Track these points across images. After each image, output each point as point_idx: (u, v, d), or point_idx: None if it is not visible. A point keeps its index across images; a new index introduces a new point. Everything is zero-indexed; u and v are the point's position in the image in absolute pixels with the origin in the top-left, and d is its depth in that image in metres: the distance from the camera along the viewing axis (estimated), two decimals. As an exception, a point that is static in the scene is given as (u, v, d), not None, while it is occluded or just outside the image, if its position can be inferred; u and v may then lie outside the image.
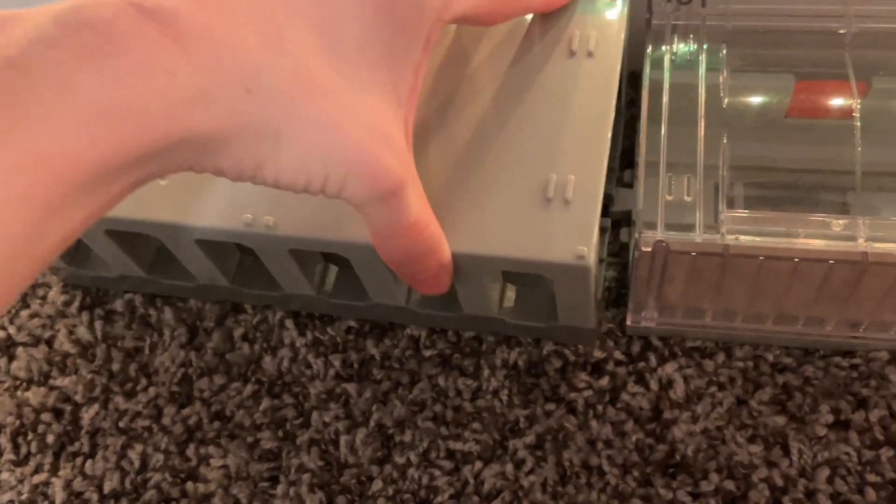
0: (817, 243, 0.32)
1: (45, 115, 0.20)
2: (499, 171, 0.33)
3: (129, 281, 0.42)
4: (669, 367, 0.38)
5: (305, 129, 0.25)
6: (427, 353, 0.40)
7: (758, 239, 0.32)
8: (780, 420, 0.37)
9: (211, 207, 0.34)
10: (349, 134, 0.25)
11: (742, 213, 0.33)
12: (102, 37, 0.22)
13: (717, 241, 0.32)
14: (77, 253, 0.42)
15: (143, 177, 0.23)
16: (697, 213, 0.33)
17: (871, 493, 0.35)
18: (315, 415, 0.39)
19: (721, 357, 0.38)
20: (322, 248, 0.34)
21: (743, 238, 0.32)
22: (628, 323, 0.38)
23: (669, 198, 0.33)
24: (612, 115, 0.34)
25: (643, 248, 0.32)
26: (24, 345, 0.42)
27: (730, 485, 0.35)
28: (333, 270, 0.40)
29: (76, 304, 0.43)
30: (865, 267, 0.31)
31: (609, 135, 0.34)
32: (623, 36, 0.36)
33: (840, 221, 0.32)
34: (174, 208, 0.34)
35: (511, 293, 0.38)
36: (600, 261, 0.39)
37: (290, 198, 0.32)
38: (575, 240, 0.31)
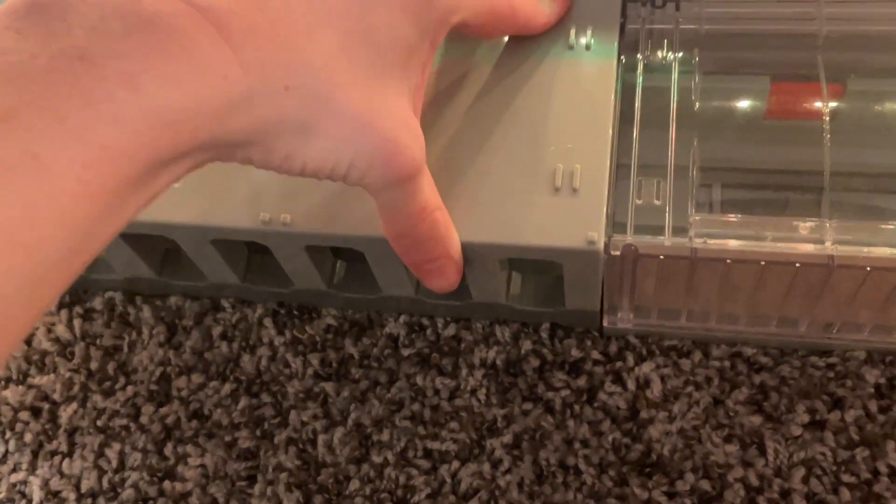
0: (784, 246, 0.32)
1: (115, 114, 0.21)
2: (506, 162, 0.34)
3: (139, 283, 0.42)
4: (646, 367, 0.38)
5: (336, 121, 0.26)
6: (405, 353, 0.40)
7: (726, 242, 0.32)
8: (756, 420, 0.37)
9: (227, 207, 0.35)
10: (376, 123, 0.27)
11: (710, 216, 0.33)
12: (164, 35, 0.22)
13: (686, 245, 0.32)
14: None
15: (181, 172, 0.24)
16: (667, 217, 0.33)
17: (845, 494, 0.35)
18: (293, 414, 0.39)
19: (698, 356, 0.38)
20: (338, 243, 0.35)
21: (711, 242, 0.32)
22: (605, 324, 0.38)
23: (639, 201, 0.33)
24: (612, 105, 0.35)
25: (613, 252, 0.32)
26: (3, 343, 0.42)
27: (705, 484, 0.36)
28: (342, 265, 0.40)
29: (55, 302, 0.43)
30: (832, 269, 0.31)
31: (611, 124, 0.34)
32: (618, 31, 0.37)
33: (807, 224, 0.32)
34: (190, 210, 0.35)
35: (517, 279, 0.39)
36: None
37: (304, 195, 0.33)
38: (585, 226, 0.32)
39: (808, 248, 0.32)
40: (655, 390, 0.37)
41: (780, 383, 0.37)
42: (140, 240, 0.38)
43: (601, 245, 0.32)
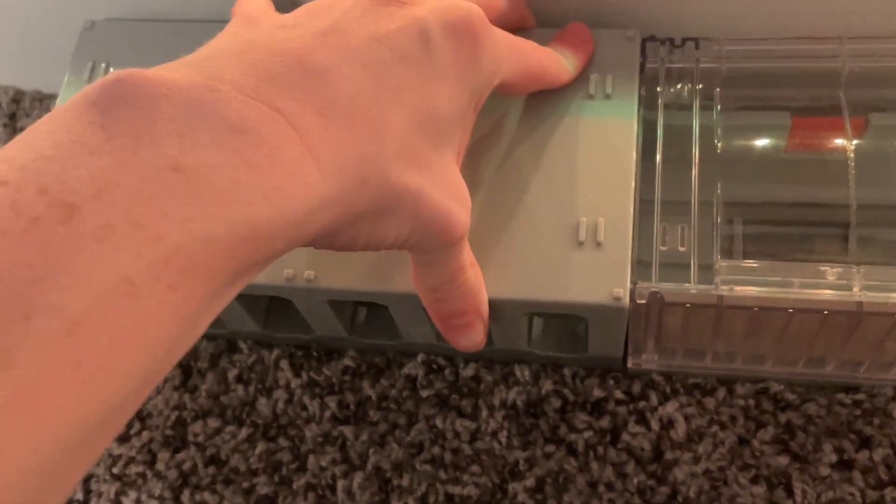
0: (812, 293, 0.31)
1: (206, 233, 0.20)
2: (530, 217, 0.34)
3: None
4: (670, 407, 0.37)
5: (404, 202, 0.26)
6: (424, 394, 0.39)
7: (752, 289, 0.31)
8: (783, 460, 0.36)
9: None
10: (434, 196, 0.27)
11: (735, 262, 0.32)
12: (251, 145, 0.21)
13: (712, 292, 0.32)
14: None
15: (252, 278, 0.23)
16: (692, 264, 0.32)
17: (876, 535, 0.34)
18: (311, 458, 0.38)
19: (722, 394, 0.37)
20: (360, 298, 0.35)
21: (738, 289, 0.32)
22: (629, 365, 0.37)
23: (664, 248, 0.33)
24: (634, 156, 0.34)
25: (637, 301, 0.32)
26: (16, 388, 0.42)
27: (733, 527, 0.35)
28: (363, 310, 0.40)
29: (68, 345, 0.42)
30: (861, 316, 0.31)
31: (633, 176, 0.34)
32: (637, 78, 0.36)
33: (835, 270, 0.31)
34: None
35: (538, 324, 0.39)
36: None
37: (327, 251, 0.32)
38: (610, 281, 0.32)
39: (836, 294, 0.31)
40: (680, 430, 0.37)
41: (806, 422, 0.37)
42: None
43: (626, 301, 0.32)
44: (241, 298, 0.36)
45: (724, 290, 0.32)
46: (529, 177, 0.34)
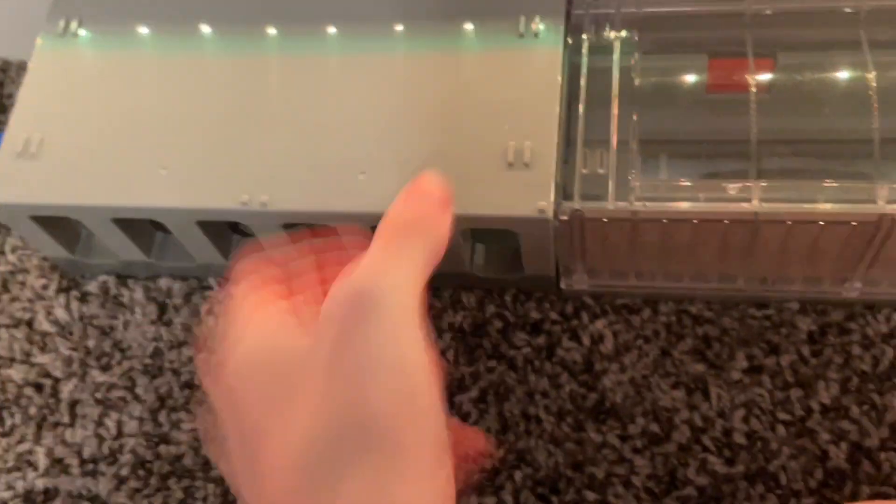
0: (715, 205, 0.35)
1: None
2: (466, 143, 0.38)
3: (132, 266, 0.45)
4: (600, 324, 0.41)
5: None
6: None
7: (662, 204, 0.35)
8: (700, 367, 0.40)
9: (210, 191, 0.38)
10: None
11: (648, 181, 0.36)
12: (374, 441, 0.23)
13: (627, 208, 0.35)
14: (80, 244, 0.45)
15: None
16: (610, 184, 0.36)
17: (781, 430, 0.38)
18: (277, 380, 0.42)
19: (647, 313, 0.41)
20: (312, 220, 0.38)
21: (649, 204, 0.35)
22: (562, 286, 0.41)
23: (585, 171, 0.36)
24: (560, 85, 0.38)
25: (561, 217, 0.36)
26: (6, 326, 0.45)
27: (655, 427, 0.39)
28: None
29: (53, 286, 0.46)
30: (759, 225, 0.35)
31: (558, 103, 0.38)
32: (563, 17, 0.40)
33: (735, 185, 0.35)
34: (177, 194, 0.38)
35: (480, 250, 0.42)
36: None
37: (281, 177, 0.37)
38: (536, 196, 0.36)
39: (735, 206, 0.35)
40: (608, 344, 0.41)
41: (721, 334, 0.41)
42: (132, 225, 0.41)
43: (551, 213, 0.36)
44: (206, 228, 0.40)
45: (637, 205, 0.36)
46: (465, 108, 0.38)
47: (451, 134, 0.38)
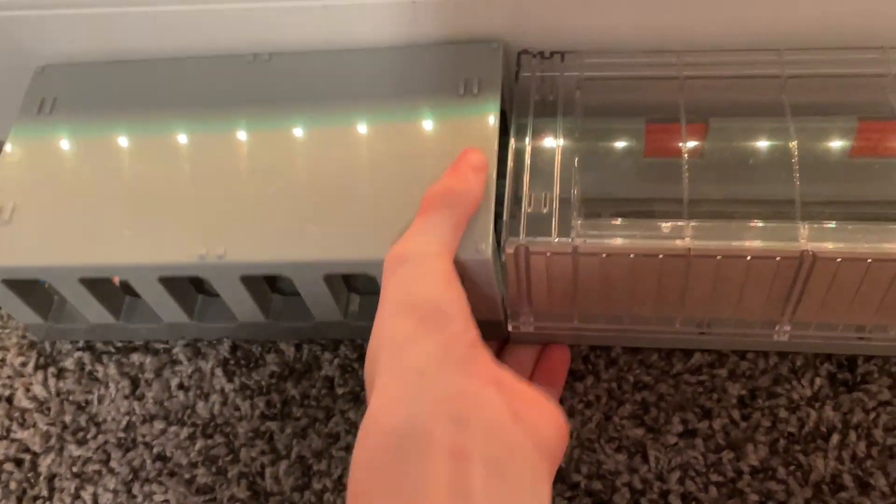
0: (649, 242, 0.38)
1: None
2: (408, 194, 0.40)
3: (102, 329, 0.47)
4: (545, 392, 0.44)
5: None
6: (340, 391, 0.46)
7: (602, 241, 0.38)
8: (640, 431, 0.43)
9: (168, 246, 0.41)
10: None
11: (589, 221, 0.39)
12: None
13: (568, 243, 0.38)
14: (53, 310, 0.48)
15: None
16: (553, 221, 0.39)
17: (713, 491, 0.41)
18: (243, 451, 0.45)
19: (590, 380, 0.44)
20: (267, 271, 0.41)
21: (590, 241, 0.38)
22: (509, 329, 0.44)
23: (530, 210, 0.39)
24: (496, 142, 0.41)
25: (508, 251, 0.38)
26: (-13, 403, 0.48)
27: (598, 485, 0.42)
28: (279, 298, 0.46)
29: (31, 364, 0.49)
30: (690, 260, 0.38)
31: (496, 156, 0.41)
32: (500, 81, 0.44)
33: (668, 224, 0.38)
34: (137, 251, 0.41)
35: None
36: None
37: (236, 232, 0.40)
38: (476, 240, 0.39)
39: (669, 243, 0.38)
40: (553, 412, 0.43)
41: (658, 399, 0.43)
42: (100, 287, 0.44)
43: (489, 254, 0.38)
44: (168, 285, 0.43)
45: (578, 241, 0.38)
46: (407, 161, 0.42)
47: (395, 187, 0.41)
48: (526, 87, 0.44)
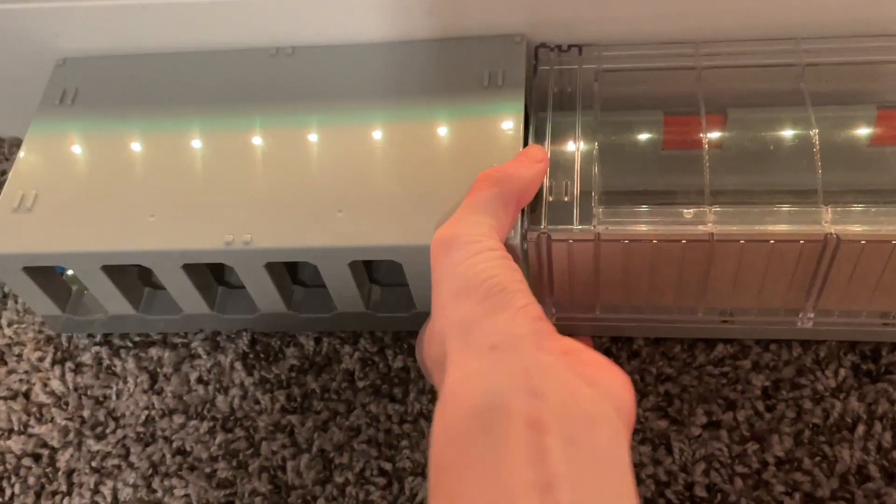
0: (672, 228, 0.38)
1: None
2: (435, 184, 0.40)
3: (121, 321, 0.47)
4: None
5: None
6: (361, 385, 0.45)
7: (623, 228, 0.38)
8: (664, 423, 0.43)
9: (195, 233, 0.41)
10: None
11: (610, 208, 0.39)
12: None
13: (590, 230, 0.38)
14: (71, 302, 0.47)
15: None
16: (574, 210, 0.39)
17: (739, 483, 0.41)
18: (264, 445, 0.44)
19: (612, 372, 0.44)
20: (293, 257, 0.41)
21: (611, 227, 0.38)
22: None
23: (551, 199, 0.39)
24: (521, 132, 0.41)
25: (530, 240, 0.38)
26: (4, 398, 0.48)
27: (621, 482, 0.41)
28: (301, 290, 0.46)
29: (49, 359, 0.48)
30: (713, 246, 0.37)
31: (521, 146, 0.41)
32: (523, 71, 0.44)
33: (691, 210, 0.38)
34: (162, 237, 0.41)
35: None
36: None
37: (263, 219, 0.40)
38: None
39: (693, 228, 0.38)
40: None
41: (681, 391, 0.43)
42: (121, 276, 0.44)
43: (517, 240, 0.38)
44: (190, 272, 0.43)
45: (600, 228, 0.38)
46: (434, 152, 0.42)
47: (422, 176, 0.41)
48: (544, 80, 0.44)
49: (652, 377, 0.44)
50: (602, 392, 0.30)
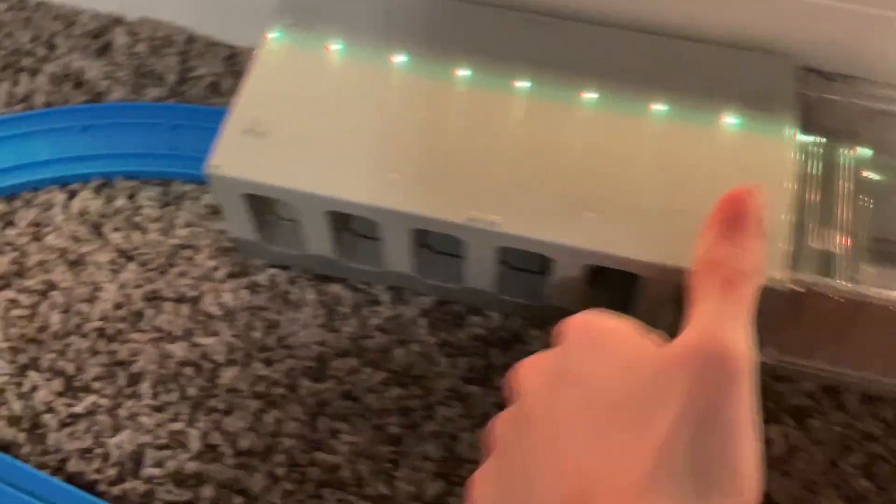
0: None
1: None
2: (698, 206, 0.36)
3: (316, 261, 0.45)
4: (773, 430, 0.41)
5: None
6: (546, 371, 0.43)
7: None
8: (866, 483, 0.40)
9: (437, 201, 0.39)
10: None
11: (883, 269, 0.37)
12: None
13: (859, 291, 0.36)
14: (266, 229, 0.45)
15: None
16: (840, 262, 0.37)
17: (941, 563, 0.39)
18: (439, 409, 0.42)
19: (819, 420, 0.42)
20: (529, 247, 0.39)
21: (885, 292, 0.36)
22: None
23: (813, 244, 0.38)
24: (794, 167, 0.39)
25: (794, 288, 0.36)
26: (171, 300, 0.45)
27: (815, 535, 0.39)
28: (510, 272, 0.44)
29: (223, 270, 0.46)
30: None
31: (791, 181, 0.39)
32: (794, 98, 0.42)
33: None
34: (403, 198, 0.39)
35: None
36: None
37: (512, 202, 0.38)
38: (770, 267, 0.36)
39: None
40: (777, 448, 0.41)
41: (889, 455, 0.41)
42: (340, 220, 0.42)
43: (785, 284, 0.36)
44: (415, 236, 0.41)
45: (873, 291, 0.36)
46: (700, 173, 0.39)
47: (677, 190, 0.39)
48: (808, 107, 0.42)
49: (858, 434, 0.42)
50: None
